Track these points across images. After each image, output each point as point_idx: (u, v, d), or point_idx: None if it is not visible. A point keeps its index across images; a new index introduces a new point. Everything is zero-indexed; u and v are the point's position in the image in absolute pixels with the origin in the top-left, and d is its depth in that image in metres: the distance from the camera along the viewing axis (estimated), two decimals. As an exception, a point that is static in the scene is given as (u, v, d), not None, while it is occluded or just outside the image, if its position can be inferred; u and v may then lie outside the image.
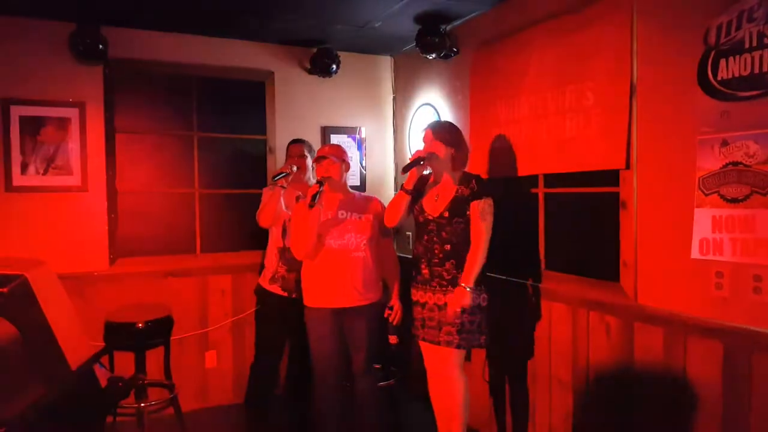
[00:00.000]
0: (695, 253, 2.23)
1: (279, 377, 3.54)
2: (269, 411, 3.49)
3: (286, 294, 3.34)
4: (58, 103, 3.57)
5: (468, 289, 2.65)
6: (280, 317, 3.38)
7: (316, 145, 4.31)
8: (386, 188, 4.58)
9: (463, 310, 2.68)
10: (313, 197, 2.81)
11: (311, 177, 3.46)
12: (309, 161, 3.44)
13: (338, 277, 2.96)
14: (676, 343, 2.34)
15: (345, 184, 3.14)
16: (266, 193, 3.43)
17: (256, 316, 3.68)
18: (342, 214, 3.02)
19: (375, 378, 3.18)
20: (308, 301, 3.04)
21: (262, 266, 3.56)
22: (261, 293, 3.47)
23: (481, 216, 2.71)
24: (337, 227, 2.98)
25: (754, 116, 2.04)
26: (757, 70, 2.03)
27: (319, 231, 2.93)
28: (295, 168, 3.25)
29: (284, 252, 3.34)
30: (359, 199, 3.13)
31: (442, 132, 2.84)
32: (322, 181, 2.92)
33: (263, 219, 3.30)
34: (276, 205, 3.23)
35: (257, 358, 3.52)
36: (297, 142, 3.52)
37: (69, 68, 3.59)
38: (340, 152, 3.09)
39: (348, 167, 3.14)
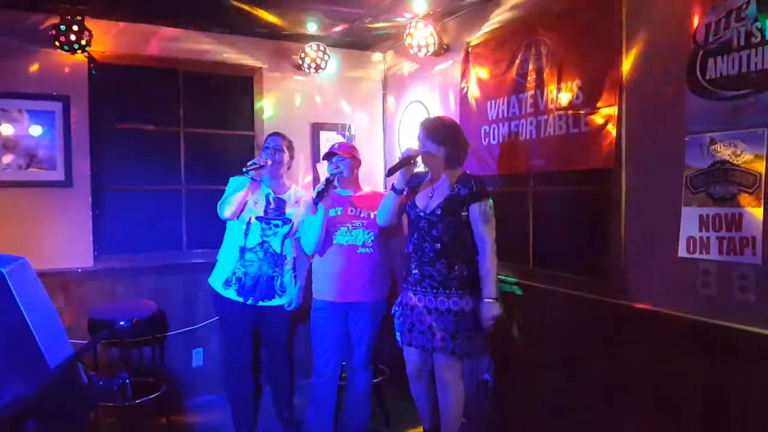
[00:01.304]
0: (682, 252, 2.23)
1: (254, 375, 3.44)
2: (255, 408, 3.46)
3: (242, 299, 3.16)
4: (41, 97, 3.51)
5: (492, 301, 2.61)
6: (241, 324, 3.22)
7: (305, 141, 4.31)
8: (376, 186, 4.55)
9: (458, 315, 2.65)
10: (320, 194, 2.81)
11: (285, 176, 3.35)
12: (285, 156, 3.28)
13: (345, 273, 2.99)
14: (663, 341, 2.35)
15: (356, 180, 3.15)
16: (233, 183, 3.21)
17: (218, 322, 3.48)
18: (351, 211, 3.04)
19: (371, 374, 3.21)
20: (316, 293, 3.08)
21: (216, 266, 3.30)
22: (216, 298, 3.24)
23: (484, 219, 2.66)
24: (346, 223, 3.01)
25: (742, 115, 2.05)
26: (744, 70, 2.03)
27: (327, 227, 2.96)
28: (269, 161, 3.14)
29: (244, 253, 3.17)
30: (369, 196, 3.13)
31: (433, 130, 2.75)
32: (331, 179, 2.92)
33: (228, 209, 3.06)
34: (244, 196, 3.07)
35: (228, 364, 3.35)
36: (275, 135, 3.36)
37: (53, 61, 3.53)
38: (349, 149, 3.10)
39: (359, 163, 3.15)
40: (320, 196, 2.81)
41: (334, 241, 3.01)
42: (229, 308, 3.21)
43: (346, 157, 3.04)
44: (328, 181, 2.89)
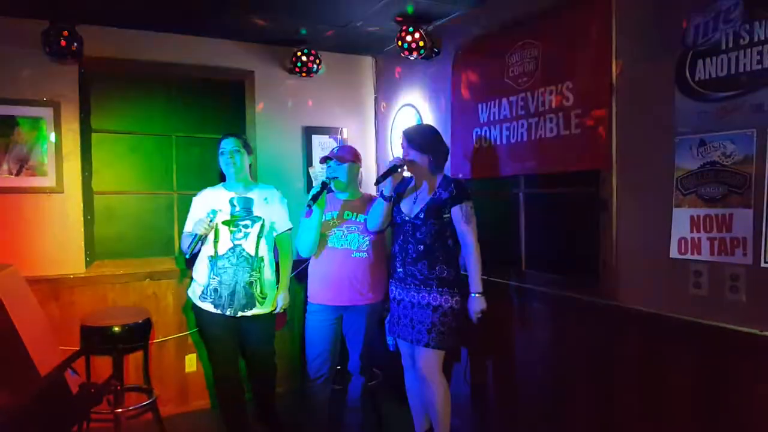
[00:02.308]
0: (674, 253, 2.25)
1: (244, 384, 3.39)
2: (247, 415, 3.43)
3: (219, 311, 3.05)
4: (31, 103, 3.49)
5: (478, 295, 2.74)
6: (223, 337, 3.12)
7: (297, 145, 4.31)
8: (368, 189, 4.54)
9: (436, 310, 2.76)
10: (314, 197, 2.83)
11: (248, 175, 3.22)
12: (244, 156, 3.15)
13: (339, 276, 3.00)
14: (655, 341, 2.36)
15: (355, 184, 3.14)
16: (200, 204, 3.12)
17: (200, 335, 3.38)
18: (347, 215, 3.04)
19: (367, 378, 3.20)
20: (311, 297, 3.10)
21: (191, 278, 3.23)
22: (196, 311, 3.16)
23: (466, 220, 2.78)
24: (341, 227, 3.02)
25: (731, 117, 2.06)
26: (733, 71, 2.05)
27: (323, 230, 2.98)
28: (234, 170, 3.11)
29: (216, 262, 3.04)
30: (367, 201, 3.13)
31: (416, 139, 2.87)
32: (327, 182, 2.94)
33: (185, 244, 3.01)
34: (201, 242, 3.01)
35: (215, 375, 3.26)
36: (228, 137, 3.18)
37: (43, 67, 3.51)
38: (347, 154, 3.09)
39: (358, 168, 3.14)
40: (314, 199, 2.83)
41: (329, 245, 3.01)
42: (209, 321, 3.10)
43: (342, 162, 3.04)
44: (323, 185, 2.90)
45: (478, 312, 2.75)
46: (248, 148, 3.21)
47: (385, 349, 3.17)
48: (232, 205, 3.10)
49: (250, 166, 3.24)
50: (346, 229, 3.01)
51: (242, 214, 3.09)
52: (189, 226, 3.13)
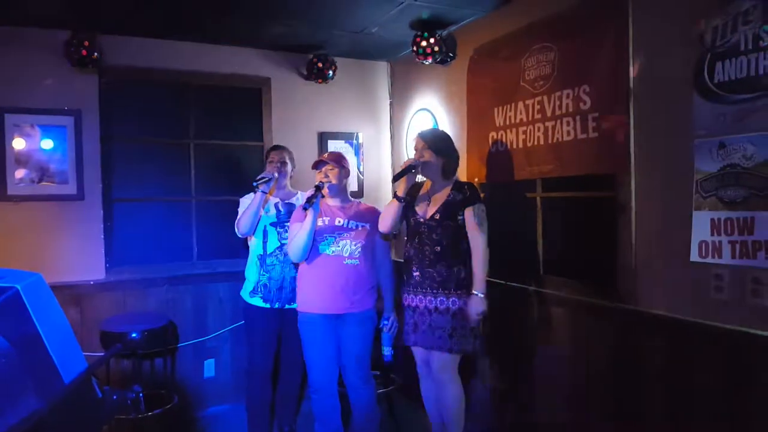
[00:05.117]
0: (694, 256, 2.22)
1: (274, 387, 3.46)
2: (271, 417, 3.46)
3: (268, 305, 3.26)
4: (53, 111, 3.55)
5: (481, 295, 2.73)
6: (266, 330, 3.30)
7: (313, 150, 4.33)
8: (383, 193, 4.57)
9: (456, 315, 2.76)
10: (309, 200, 2.83)
11: (289, 184, 3.47)
12: (289, 167, 3.43)
13: (331, 284, 2.95)
14: (676, 346, 2.33)
15: (345, 190, 3.14)
16: (244, 202, 3.35)
17: (244, 331, 3.51)
18: (339, 221, 3.02)
19: (373, 386, 3.16)
20: (301, 305, 3.04)
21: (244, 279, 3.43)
22: (245, 307, 3.36)
23: (478, 222, 2.78)
24: (333, 233, 2.99)
25: (751, 119, 2.04)
26: (753, 73, 2.02)
27: (314, 236, 2.95)
28: (276, 174, 3.24)
29: (265, 259, 3.29)
30: (357, 207, 3.12)
31: (433, 141, 2.90)
32: (320, 186, 2.93)
33: (243, 224, 3.21)
34: (257, 211, 3.19)
35: (251, 371, 3.38)
36: (277, 148, 3.48)
37: (64, 76, 3.57)
38: (339, 158, 3.09)
39: (347, 173, 3.14)
40: (310, 202, 2.84)
41: (320, 252, 2.97)
42: (256, 315, 3.29)
43: (335, 167, 3.03)
44: (318, 188, 2.91)
45: (479, 313, 2.73)
46: (293, 160, 3.49)
47: (402, 353, 3.15)
48: (278, 210, 3.35)
49: (291, 176, 3.49)
50: (339, 236, 2.98)
51: (287, 218, 3.32)
52: (243, 210, 3.30)
